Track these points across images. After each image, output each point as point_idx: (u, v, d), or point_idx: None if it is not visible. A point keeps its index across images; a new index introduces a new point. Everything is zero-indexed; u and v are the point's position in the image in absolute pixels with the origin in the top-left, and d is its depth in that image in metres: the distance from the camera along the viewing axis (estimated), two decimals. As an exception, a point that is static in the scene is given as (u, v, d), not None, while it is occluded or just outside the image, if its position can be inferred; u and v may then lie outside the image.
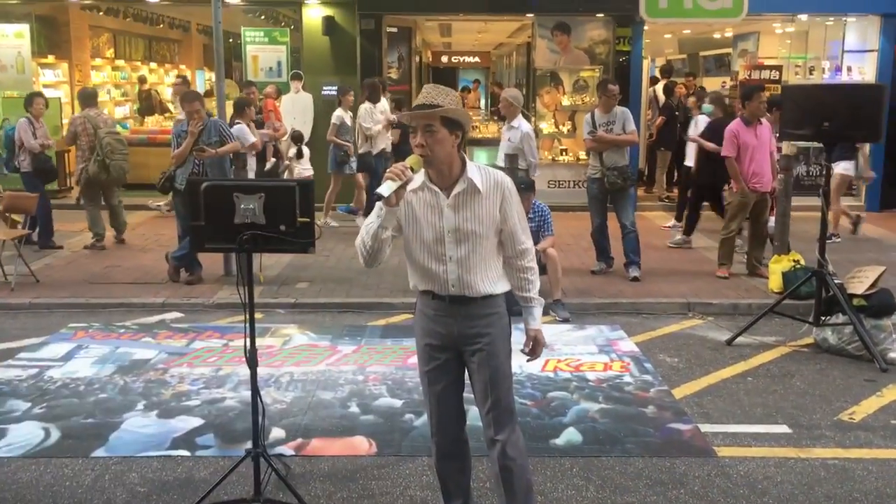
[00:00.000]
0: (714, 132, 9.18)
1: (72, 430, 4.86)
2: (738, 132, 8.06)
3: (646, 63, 13.59)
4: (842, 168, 9.86)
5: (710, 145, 9.18)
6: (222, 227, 3.64)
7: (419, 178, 3.23)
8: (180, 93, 11.12)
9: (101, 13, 15.86)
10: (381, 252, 3.24)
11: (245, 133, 8.86)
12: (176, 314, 7.31)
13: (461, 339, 3.29)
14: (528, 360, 3.50)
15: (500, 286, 3.30)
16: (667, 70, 14.72)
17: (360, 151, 10.59)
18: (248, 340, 3.79)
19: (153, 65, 19.65)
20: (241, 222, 3.62)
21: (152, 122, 16.47)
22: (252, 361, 3.81)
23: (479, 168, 3.26)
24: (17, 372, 5.83)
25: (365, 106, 10.52)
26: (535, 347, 3.44)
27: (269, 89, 11.97)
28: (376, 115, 10.57)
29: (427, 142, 3.10)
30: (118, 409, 5.17)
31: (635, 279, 8.10)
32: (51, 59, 14.91)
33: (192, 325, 6.99)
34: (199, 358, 6.15)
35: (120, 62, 18.20)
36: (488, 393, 3.28)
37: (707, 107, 11.02)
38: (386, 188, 3.02)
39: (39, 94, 9.82)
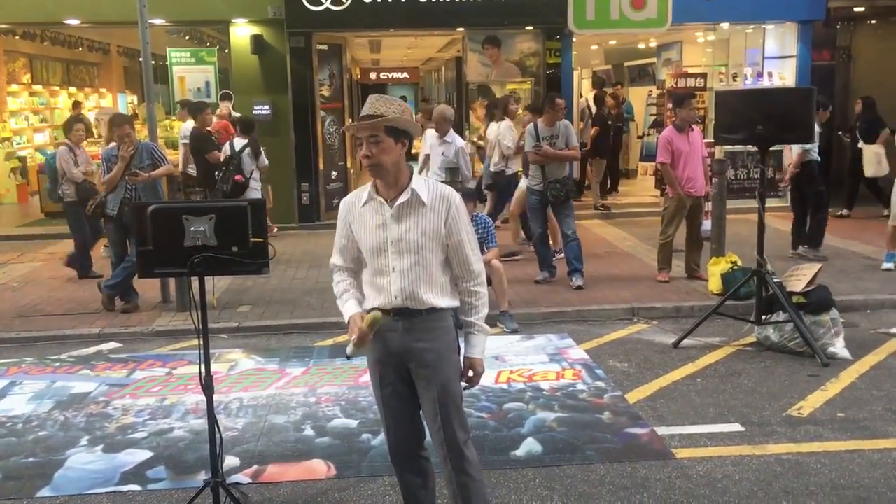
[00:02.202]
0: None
1: (12, 471, 4.64)
2: (671, 139, 8.26)
3: (576, 74, 13.84)
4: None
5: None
6: (171, 250, 3.55)
7: (365, 191, 3.25)
8: (180, 115, 10.92)
9: (16, 37, 15.38)
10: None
11: (264, 154, 9.35)
12: (114, 344, 7.10)
13: (407, 354, 3.26)
14: (463, 389, 3.43)
15: (447, 300, 3.27)
16: (598, 81, 15.03)
17: (494, 170, 9.96)
18: (203, 366, 3.68)
19: (72, 89, 19.12)
20: (191, 245, 3.52)
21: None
22: (208, 388, 3.71)
23: (427, 181, 3.26)
24: (-53, 413, 5.56)
25: (506, 123, 9.99)
26: (471, 377, 3.36)
27: (223, 110, 11.78)
28: (513, 133, 9.95)
29: (372, 152, 3.12)
30: (60, 446, 4.96)
31: (579, 287, 8.20)
32: (-37, 85, 14.37)
33: (131, 354, 6.80)
34: (142, 388, 5.97)
35: (37, 87, 17.66)
36: (437, 410, 3.25)
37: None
38: (352, 351, 3.16)
39: (80, 119, 9.32)
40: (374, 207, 3.23)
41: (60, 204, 9.31)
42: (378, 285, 3.25)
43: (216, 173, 9.47)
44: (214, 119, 11.29)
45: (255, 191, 9.41)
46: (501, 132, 9.90)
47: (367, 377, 3.52)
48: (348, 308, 3.31)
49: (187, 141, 10.35)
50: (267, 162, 9.64)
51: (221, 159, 9.54)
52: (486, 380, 5.87)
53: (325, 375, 6.14)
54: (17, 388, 6.03)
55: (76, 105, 17.48)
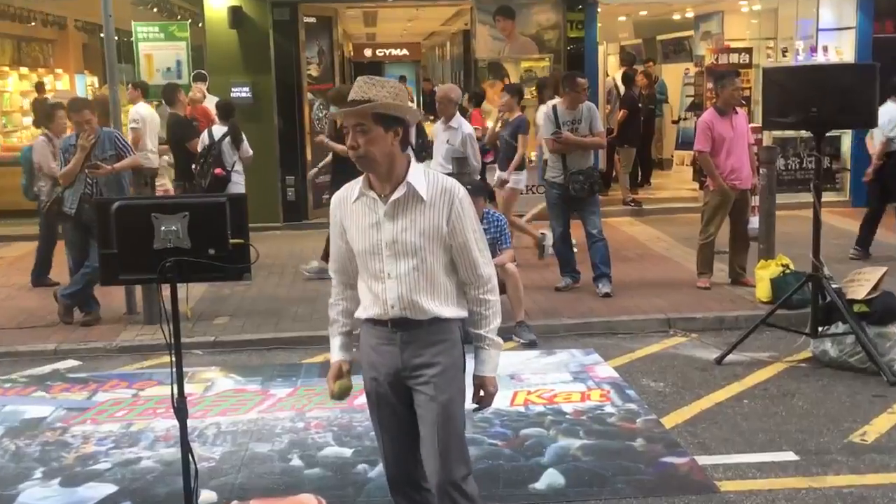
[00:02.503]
0: None
1: (-44, 509, 4.65)
2: (712, 124, 8.24)
3: (601, 49, 13.84)
4: None
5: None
6: (139, 254, 3.55)
7: (357, 185, 3.25)
8: (131, 96, 10.93)
9: (-41, 11, 15.45)
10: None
11: (247, 146, 9.36)
12: (72, 362, 7.10)
13: (407, 371, 3.26)
14: (473, 411, 3.45)
15: (453, 310, 3.27)
16: (627, 58, 15.02)
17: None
18: (175, 387, 3.69)
19: (24, 69, 19.18)
20: (162, 248, 3.53)
21: (28, 138, 16.05)
22: (181, 412, 3.72)
23: (427, 172, 3.25)
24: None
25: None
26: (482, 398, 3.35)
27: (198, 94, 11.77)
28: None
29: (358, 142, 3.12)
30: (11, 480, 4.97)
31: (607, 295, 8.19)
32: None
33: (92, 374, 6.80)
34: (105, 412, 5.98)
35: (-18, 67, 17.74)
36: (436, 434, 3.23)
37: None
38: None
39: (61, 105, 8.92)
40: (366, 204, 3.23)
41: (37, 203, 9.08)
42: (373, 293, 3.26)
43: (192, 166, 9.45)
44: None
45: (238, 185, 9.36)
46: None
47: (362, 399, 3.51)
48: (332, 349, 3.45)
49: (137, 125, 10.29)
50: (251, 152, 9.62)
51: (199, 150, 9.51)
52: (501, 402, 5.83)
53: (315, 397, 6.13)
54: (-39, 413, 6.03)
55: (40, 88, 17.44)
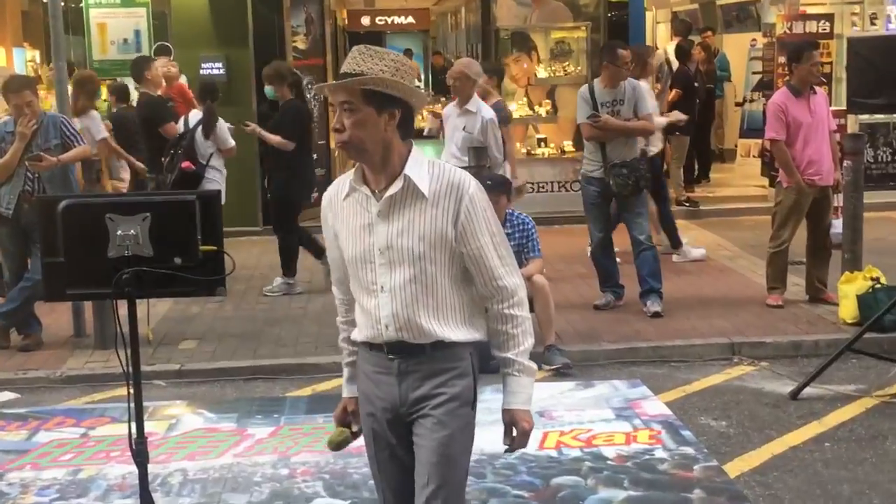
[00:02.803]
0: None
1: None
2: (785, 106, 8.23)
3: (649, 17, 13.87)
4: None
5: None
6: (90, 263, 3.57)
7: (347, 179, 3.25)
8: None
9: None
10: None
11: (226, 133, 9.42)
12: (8, 395, 7.13)
13: (405, 407, 3.26)
14: (505, 452, 3.44)
15: (462, 332, 3.24)
16: (681, 27, 15.02)
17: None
18: (133, 425, 3.70)
19: (-48, 42, 19.35)
20: (118, 256, 3.54)
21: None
22: (140, 455, 3.73)
23: (430, 163, 3.24)
24: None
25: (644, 84, 9.48)
26: (516, 437, 3.30)
27: (172, 69, 11.77)
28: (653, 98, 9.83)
29: (344, 124, 3.11)
30: (-65, 537, 5.00)
31: (656, 314, 8.19)
32: None
33: (32, 409, 6.83)
34: (48, 456, 5.99)
35: None
36: (429, 476, 3.21)
37: None
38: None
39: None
40: (357, 201, 3.23)
41: None
42: (365, 310, 3.26)
43: (162, 158, 9.46)
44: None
45: (213, 182, 9.32)
46: (637, 95, 9.80)
47: (360, 440, 3.50)
48: (343, 385, 3.50)
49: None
50: (232, 143, 9.64)
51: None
52: (529, 445, 5.83)
53: (302, 438, 6.14)
54: None
55: None
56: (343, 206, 3.26)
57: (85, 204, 3.65)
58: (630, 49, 9.05)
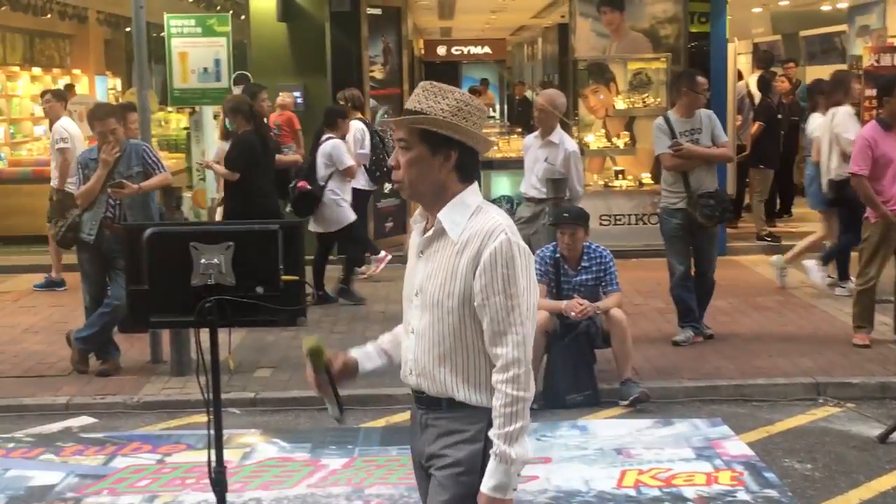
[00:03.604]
0: None
1: None
2: (873, 140, 8.09)
3: (730, 48, 13.74)
4: None
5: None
6: (174, 291, 3.61)
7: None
8: (51, 109, 11.26)
9: (-34, 1, 16.10)
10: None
11: (341, 152, 9.75)
12: (86, 419, 7.23)
13: (424, 459, 3.23)
14: None
15: (482, 396, 3.08)
16: (763, 58, 14.88)
17: (835, 177, 9.74)
18: (213, 453, 3.71)
19: (36, 70, 19.86)
20: (201, 284, 3.58)
21: (39, 150, 16.56)
22: (219, 484, 3.74)
23: (477, 209, 3.12)
24: None
25: (844, 109, 9.82)
26: None
27: (287, 99, 12.08)
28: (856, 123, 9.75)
29: (398, 162, 3.12)
30: (13, 560, 5.07)
31: (711, 337, 8.46)
32: None
33: (110, 434, 6.91)
34: (125, 481, 6.06)
35: (-10, 68, 18.37)
36: None
37: None
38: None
39: (133, 108, 9.28)
40: (417, 233, 3.25)
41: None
42: (403, 349, 3.28)
43: (290, 186, 9.90)
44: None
45: (338, 209, 9.95)
46: (839, 122, 9.70)
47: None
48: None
49: (67, 145, 10.55)
50: (350, 162, 10.02)
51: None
52: (606, 483, 5.81)
53: (376, 470, 6.14)
54: (-44, 477, 6.19)
55: (70, 89, 17.89)
56: (413, 234, 3.27)
57: (170, 232, 3.69)
58: (836, 75, 9.11)
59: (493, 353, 3.03)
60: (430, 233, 3.12)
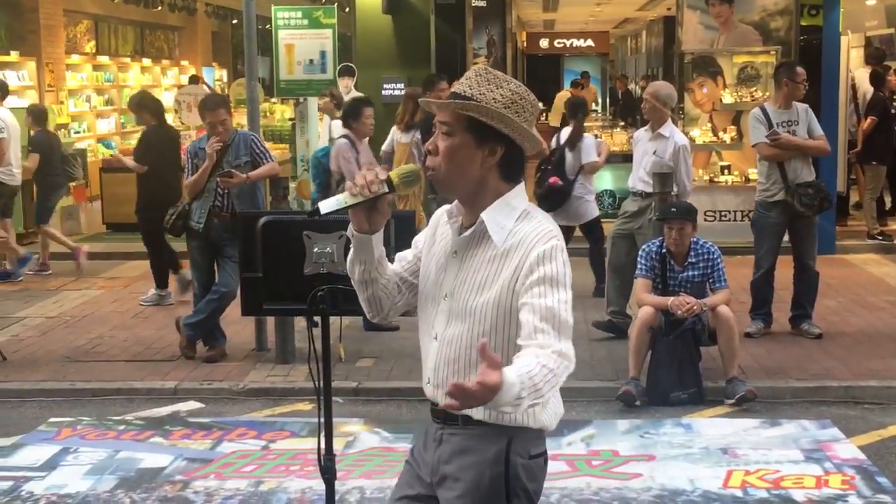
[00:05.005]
0: None
1: (63, 569, 4.89)
2: None
3: (843, 41, 13.41)
4: None
5: None
6: (287, 279, 3.64)
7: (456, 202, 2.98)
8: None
9: (80, -6, 16.54)
10: (377, 299, 3.05)
11: (590, 148, 9.92)
12: (194, 404, 7.37)
13: (436, 477, 3.00)
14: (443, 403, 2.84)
15: (502, 412, 2.82)
16: (875, 53, 14.50)
17: None
18: (322, 441, 3.74)
19: (146, 61, 20.33)
20: (313, 273, 3.61)
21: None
22: (328, 472, 3.76)
23: (524, 212, 2.89)
24: (-16, 485, 5.93)
25: None
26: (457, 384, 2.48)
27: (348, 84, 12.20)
28: None
29: (437, 146, 2.87)
30: (125, 540, 5.19)
31: (820, 336, 8.28)
32: (13, 56, 15.53)
33: (216, 419, 7.04)
34: (231, 466, 6.16)
35: (103, 59, 18.82)
36: None
37: None
38: (328, 205, 2.86)
39: (369, 103, 9.26)
40: (452, 229, 2.97)
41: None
42: (424, 353, 3.06)
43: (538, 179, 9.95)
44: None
45: (584, 202, 9.91)
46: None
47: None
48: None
49: (3, 134, 10.82)
50: (595, 157, 10.01)
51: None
52: (712, 482, 5.74)
53: (478, 462, 6.14)
54: (70, 458, 6.35)
55: (195, 80, 18.10)
56: (442, 229, 3.04)
57: (284, 221, 3.73)
58: None
59: (531, 329, 2.70)
60: (468, 233, 2.89)
